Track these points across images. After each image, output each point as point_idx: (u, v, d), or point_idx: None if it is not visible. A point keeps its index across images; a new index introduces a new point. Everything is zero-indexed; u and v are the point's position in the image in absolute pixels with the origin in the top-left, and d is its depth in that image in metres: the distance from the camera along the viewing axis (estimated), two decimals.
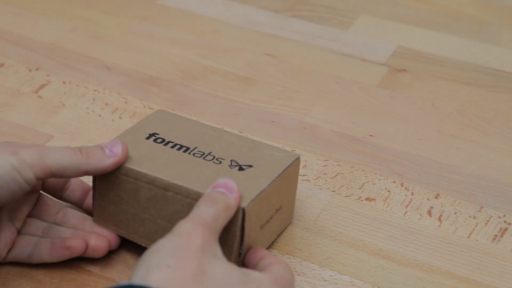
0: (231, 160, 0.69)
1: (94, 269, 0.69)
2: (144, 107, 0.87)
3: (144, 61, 0.94)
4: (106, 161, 0.66)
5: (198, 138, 0.71)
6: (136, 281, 0.55)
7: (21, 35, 0.99)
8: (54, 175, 0.65)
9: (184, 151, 0.70)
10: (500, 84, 0.92)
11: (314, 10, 1.04)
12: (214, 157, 0.69)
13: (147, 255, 0.58)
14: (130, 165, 0.67)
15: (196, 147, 0.70)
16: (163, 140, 0.71)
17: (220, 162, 0.69)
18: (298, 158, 0.70)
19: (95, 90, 0.89)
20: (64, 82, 0.91)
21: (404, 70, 0.94)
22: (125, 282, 0.57)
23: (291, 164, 0.69)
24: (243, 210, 0.64)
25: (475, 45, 0.98)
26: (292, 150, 0.81)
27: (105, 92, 0.89)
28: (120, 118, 0.85)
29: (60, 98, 0.88)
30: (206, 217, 0.60)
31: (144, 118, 0.74)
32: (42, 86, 0.90)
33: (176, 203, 0.66)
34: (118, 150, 0.67)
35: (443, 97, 0.90)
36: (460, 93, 0.90)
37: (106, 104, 0.87)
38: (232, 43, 0.98)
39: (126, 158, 0.67)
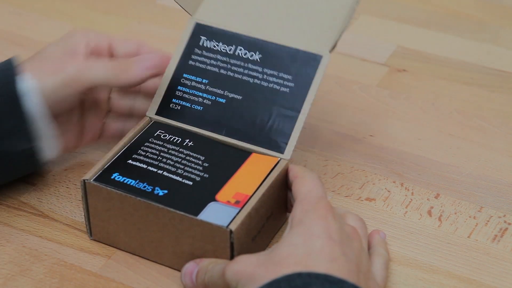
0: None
1: (94, 269, 0.69)
2: None
3: None
4: (131, 76, 0.71)
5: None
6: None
7: (21, 35, 0.99)
8: (93, 88, 0.72)
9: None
10: (500, 84, 0.92)
11: None
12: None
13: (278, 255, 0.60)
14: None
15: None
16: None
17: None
18: (287, 163, 0.70)
19: None
20: None
21: (404, 70, 0.94)
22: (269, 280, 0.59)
23: (278, 174, 0.69)
24: (231, 231, 0.64)
25: (475, 45, 0.98)
26: (292, 150, 0.81)
27: None
28: None
29: None
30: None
31: None
32: None
33: (165, 215, 0.66)
34: (143, 66, 0.71)
35: (443, 97, 0.90)
36: (460, 93, 0.90)
37: None
38: None
39: (164, 64, 0.73)
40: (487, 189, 0.77)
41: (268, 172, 0.68)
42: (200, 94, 0.73)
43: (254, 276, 0.59)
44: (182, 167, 0.69)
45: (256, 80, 0.73)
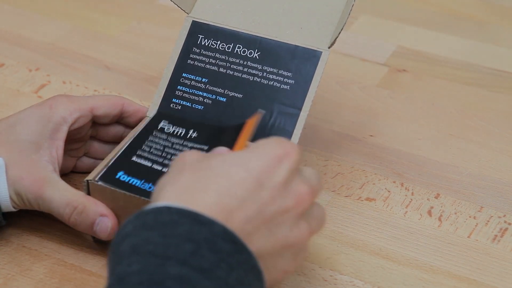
0: None
1: (94, 269, 0.69)
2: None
3: (144, 61, 0.94)
4: (89, 232, 0.69)
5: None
6: (152, 204, 0.55)
7: (21, 35, 0.99)
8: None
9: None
10: (500, 84, 0.92)
11: None
12: None
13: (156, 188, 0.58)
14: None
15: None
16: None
17: None
18: None
19: (95, 90, 0.89)
20: (64, 82, 0.91)
21: (404, 70, 0.94)
22: (144, 208, 0.55)
23: None
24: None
25: (475, 45, 0.98)
26: None
27: (105, 92, 0.89)
28: None
29: None
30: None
31: None
32: (42, 86, 0.90)
33: None
34: (103, 235, 0.68)
35: (443, 97, 0.90)
36: (460, 93, 0.90)
37: None
38: None
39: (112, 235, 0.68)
40: (487, 189, 0.77)
41: (251, 130, 0.67)
42: (200, 93, 0.73)
43: (159, 182, 0.57)
44: None
45: (256, 78, 0.73)
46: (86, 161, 0.77)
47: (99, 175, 0.68)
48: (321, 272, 0.69)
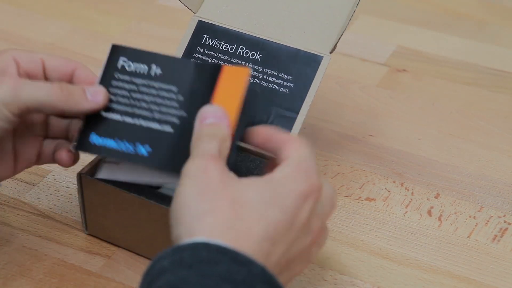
0: None
1: (94, 269, 0.69)
2: None
3: None
4: (84, 104, 0.64)
5: None
6: (183, 240, 0.54)
7: (21, 35, 0.99)
8: (31, 111, 0.63)
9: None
10: (500, 84, 0.92)
11: None
12: None
13: (176, 212, 0.56)
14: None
15: None
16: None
17: None
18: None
19: None
20: None
21: (404, 70, 0.94)
22: (173, 246, 0.54)
23: None
24: None
25: (475, 45, 0.98)
26: None
27: None
28: None
29: None
30: (211, 150, 0.58)
31: None
32: None
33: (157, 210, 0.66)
34: (99, 98, 0.64)
35: (443, 97, 0.90)
36: (460, 93, 0.90)
37: None
38: None
39: (105, 106, 0.65)
40: (487, 189, 0.77)
41: (242, 89, 0.63)
42: None
43: (189, 208, 0.55)
44: (158, 108, 0.64)
45: (256, 80, 0.73)
46: (51, 144, 0.70)
47: (74, 145, 0.65)
48: (321, 272, 0.69)
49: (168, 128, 0.63)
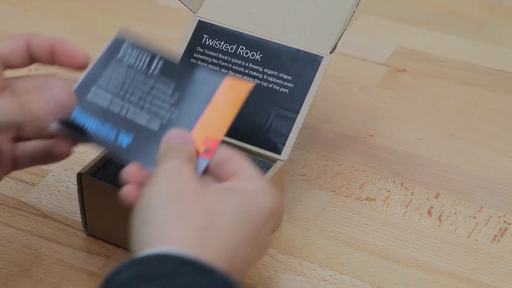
0: None
1: (94, 269, 0.69)
2: None
3: None
4: (43, 109, 0.57)
5: None
6: (147, 246, 0.52)
7: None
8: None
9: None
10: (500, 84, 0.92)
11: None
12: None
13: (144, 213, 0.54)
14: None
15: None
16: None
17: None
18: (283, 165, 0.70)
19: None
20: None
21: (404, 70, 0.94)
22: (141, 252, 0.52)
23: (274, 174, 0.69)
24: None
25: (475, 45, 0.98)
26: (292, 151, 0.81)
27: None
28: None
29: None
30: (184, 156, 0.57)
31: None
32: None
33: None
34: (61, 93, 0.58)
35: (443, 97, 0.90)
36: (460, 93, 0.90)
37: None
38: None
39: (71, 103, 0.58)
40: (487, 189, 0.77)
41: (239, 104, 0.61)
42: None
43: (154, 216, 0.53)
44: (148, 104, 0.62)
45: (256, 80, 0.73)
46: (27, 146, 0.63)
47: (56, 121, 0.60)
48: (321, 272, 0.69)
49: (153, 127, 0.61)
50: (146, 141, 0.61)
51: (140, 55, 0.63)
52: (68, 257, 0.70)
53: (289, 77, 0.72)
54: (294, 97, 0.71)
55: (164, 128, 0.61)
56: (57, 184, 0.77)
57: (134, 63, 0.63)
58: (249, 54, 0.73)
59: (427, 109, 0.88)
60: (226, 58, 0.74)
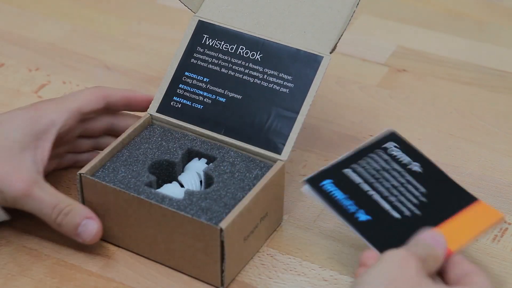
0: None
1: (94, 269, 0.69)
2: None
3: (144, 61, 0.94)
4: (73, 237, 0.68)
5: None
6: None
7: (21, 35, 0.99)
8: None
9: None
10: (500, 84, 0.92)
11: None
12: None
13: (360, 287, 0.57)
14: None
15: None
16: None
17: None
18: (283, 165, 0.70)
19: None
20: (64, 82, 0.91)
21: (404, 70, 0.94)
22: None
23: (274, 174, 0.69)
24: (221, 230, 0.63)
25: (475, 45, 0.98)
26: (292, 150, 0.81)
27: None
28: None
29: None
30: (418, 252, 0.60)
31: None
32: (42, 86, 0.90)
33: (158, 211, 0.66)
34: (87, 236, 0.67)
35: (443, 97, 0.90)
36: (460, 93, 0.90)
37: None
38: None
39: (96, 240, 0.68)
40: (487, 189, 0.77)
41: (483, 229, 0.65)
42: (201, 92, 0.74)
43: None
44: (397, 194, 0.67)
45: (256, 80, 0.73)
46: (68, 157, 0.77)
47: (308, 177, 0.67)
48: (321, 272, 0.69)
49: (396, 214, 0.65)
50: (385, 225, 0.64)
51: (400, 155, 0.69)
52: (68, 257, 0.70)
53: (289, 77, 0.72)
54: (294, 97, 0.71)
55: (406, 219, 0.65)
56: (57, 184, 0.77)
57: (396, 156, 0.68)
58: (249, 54, 0.73)
59: (427, 109, 0.88)
60: (226, 58, 0.74)
